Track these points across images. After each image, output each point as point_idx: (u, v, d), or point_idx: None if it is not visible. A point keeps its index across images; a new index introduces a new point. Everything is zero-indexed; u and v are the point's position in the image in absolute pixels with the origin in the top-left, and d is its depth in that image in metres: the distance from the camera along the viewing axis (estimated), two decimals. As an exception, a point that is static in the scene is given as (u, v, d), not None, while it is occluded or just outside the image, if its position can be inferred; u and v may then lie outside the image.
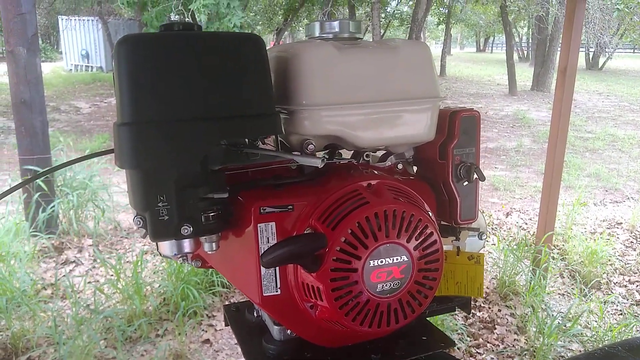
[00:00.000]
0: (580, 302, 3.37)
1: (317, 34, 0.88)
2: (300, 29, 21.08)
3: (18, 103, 4.13)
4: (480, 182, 0.92)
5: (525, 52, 33.27)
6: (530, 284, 3.39)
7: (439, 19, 23.79)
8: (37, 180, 3.98)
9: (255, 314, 1.00)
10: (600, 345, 2.76)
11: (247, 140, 0.80)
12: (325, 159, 0.76)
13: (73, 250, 4.10)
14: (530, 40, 29.36)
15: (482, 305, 3.36)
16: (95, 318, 2.90)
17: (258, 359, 0.88)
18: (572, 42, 3.24)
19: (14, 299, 3.03)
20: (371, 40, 1.05)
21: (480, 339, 2.99)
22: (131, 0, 7.59)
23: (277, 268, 0.80)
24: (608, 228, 4.87)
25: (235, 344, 2.08)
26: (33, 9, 4.13)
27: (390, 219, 0.75)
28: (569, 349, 2.91)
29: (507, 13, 17.29)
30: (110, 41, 16.96)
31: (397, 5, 19.56)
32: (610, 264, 4.05)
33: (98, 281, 3.56)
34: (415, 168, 0.99)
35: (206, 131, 0.72)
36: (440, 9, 21.46)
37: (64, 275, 3.60)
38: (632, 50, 37.02)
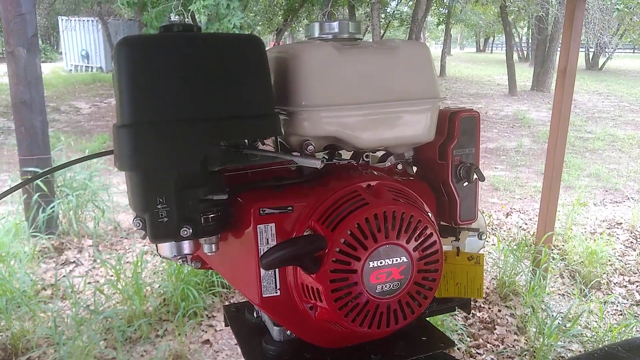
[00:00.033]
0: (580, 302, 3.37)
1: (316, 34, 0.88)
2: (300, 29, 21.08)
3: (18, 103, 4.13)
4: (480, 182, 0.92)
5: (525, 52, 33.28)
6: (530, 284, 3.39)
7: (438, 19, 23.78)
8: (37, 181, 3.98)
9: (255, 315, 1.00)
10: (600, 346, 2.76)
11: (246, 141, 0.80)
12: (324, 160, 0.76)
13: (73, 250, 4.10)
14: (530, 41, 29.36)
15: (482, 305, 3.36)
16: (95, 318, 2.90)
17: (258, 359, 0.88)
18: (572, 42, 3.24)
19: (14, 300, 3.03)
20: (371, 40, 1.05)
21: (480, 340, 2.99)
22: (131, 0, 7.60)
23: (277, 269, 0.80)
24: (608, 228, 4.87)
25: (235, 344, 2.08)
26: (33, 10, 4.13)
27: (389, 220, 0.75)
28: (569, 349, 2.91)
29: (507, 13, 17.29)
30: (110, 42, 16.98)
31: (397, 5, 19.56)
32: (610, 264, 4.05)
33: (98, 282, 3.56)
34: (415, 168, 0.99)
35: (206, 132, 0.72)
36: (440, 9, 21.45)
37: (64, 276, 3.60)
38: (632, 51, 37.02)
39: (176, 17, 0.78)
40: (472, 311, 3.23)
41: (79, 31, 18.76)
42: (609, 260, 4.07)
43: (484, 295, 3.34)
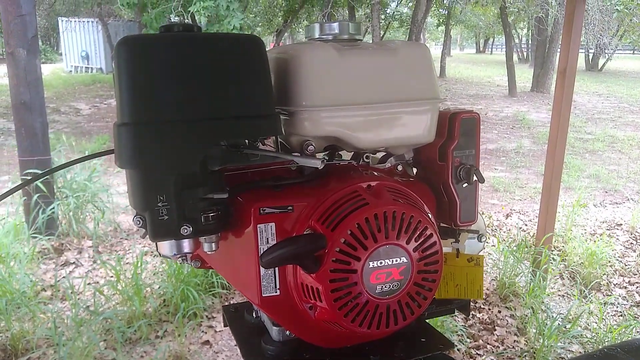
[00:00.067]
0: (580, 303, 3.37)
1: (316, 35, 0.89)
2: (300, 30, 21.10)
3: (18, 104, 4.13)
4: (479, 183, 0.92)
5: (525, 54, 33.29)
6: (530, 285, 3.39)
7: (438, 21, 23.80)
8: (36, 182, 3.98)
9: (254, 315, 1.00)
10: (600, 347, 2.76)
11: (247, 141, 0.80)
12: (325, 160, 0.77)
13: (73, 251, 4.10)
14: (529, 42, 29.38)
15: (482, 306, 3.36)
16: (95, 319, 2.90)
17: (257, 359, 0.88)
18: (571, 43, 3.24)
19: (14, 301, 3.03)
20: (371, 41, 1.05)
21: (480, 341, 2.98)
22: (131, 1, 7.61)
23: (277, 269, 0.81)
24: (608, 229, 4.87)
25: (235, 345, 2.08)
26: (33, 11, 4.13)
27: (389, 221, 0.75)
28: (568, 350, 2.91)
29: (506, 14, 17.30)
30: (110, 42, 16.99)
31: (396, 6, 19.56)
32: (610, 266, 4.05)
33: (98, 282, 3.56)
34: (415, 170, 0.99)
35: (206, 132, 0.72)
36: (440, 10, 21.47)
37: (63, 277, 3.60)
38: (631, 52, 37.05)
39: (176, 18, 0.79)
40: (472, 312, 3.22)
41: (79, 32, 18.77)
42: (609, 262, 4.07)
43: (483, 297, 3.35)
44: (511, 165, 7.56)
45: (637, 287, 3.77)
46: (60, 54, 23.04)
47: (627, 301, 3.57)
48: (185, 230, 0.74)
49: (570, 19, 3.26)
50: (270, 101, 0.77)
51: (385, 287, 0.76)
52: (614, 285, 3.80)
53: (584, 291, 3.56)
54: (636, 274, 3.96)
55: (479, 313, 3.28)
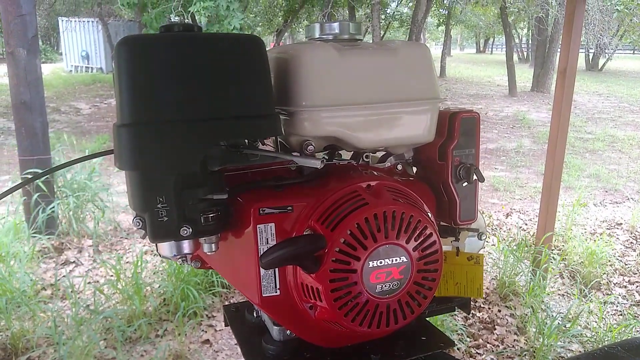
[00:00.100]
0: (580, 302, 3.37)
1: (317, 35, 0.89)
2: (300, 30, 21.09)
3: (18, 104, 4.13)
4: (479, 183, 0.92)
5: (525, 53, 33.27)
6: (530, 284, 3.39)
7: (439, 20, 23.79)
8: (37, 181, 3.99)
9: (254, 314, 1.00)
10: (600, 346, 2.76)
11: (246, 141, 0.80)
12: (324, 160, 0.77)
13: (73, 250, 4.10)
14: (530, 42, 29.36)
15: (482, 305, 3.36)
16: (95, 318, 2.90)
17: (258, 359, 0.88)
18: (571, 43, 3.24)
19: (14, 299, 3.03)
20: (371, 41, 1.05)
21: (480, 340, 2.99)
22: (131, 1, 7.60)
23: (277, 269, 0.81)
24: (608, 229, 4.87)
25: (235, 344, 2.08)
26: (33, 10, 4.13)
27: (389, 220, 0.75)
28: (568, 349, 2.91)
29: (506, 14, 17.29)
30: (110, 42, 16.99)
31: (397, 6, 19.55)
32: (610, 265, 4.05)
33: (98, 282, 3.56)
34: (414, 169, 0.99)
35: (206, 132, 0.72)
36: (440, 10, 21.46)
37: (63, 276, 3.60)
38: (632, 52, 37.02)
39: (176, 18, 0.79)
40: (472, 311, 3.23)
41: (79, 32, 18.77)
42: (609, 261, 4.07)
43: (483, 296, 3.35)
44: (511, 165, 7.56)
45: (637, 286, 3.77)
46: (60, 54, 23.04)
47: (627, 300, 3.57)
48: (185, 231, 0.73)
49: (570, 19, 3.26)
50: (270, 101, 0.77)
51: (385, 286, 0.76)
52: (614, 284, 3.80)
53: (584, 290, 3.56)
54: (636, 273, 3.96)
55: (479, 312, 3.29)
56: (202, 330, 3.02)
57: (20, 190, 4.12)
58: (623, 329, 3.03)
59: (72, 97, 13.06)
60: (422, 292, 0.80)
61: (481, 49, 48.08)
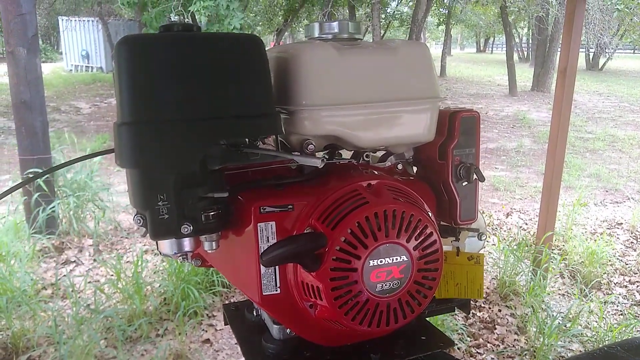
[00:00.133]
0: (581, 302, 3.37)
1: (316, 34, 0.89)
2: (300, 29, 21.07)
3: (18, 103, 4.13)
4: (480, 182, 0.92)
5: (526, 53, 33.27)
6: (531, 284, 3.39)
7: (439, 20, 23.77)
8: (37, 181, 3.99)
9: (254, 313, 1.00)
10: (600, 346, 2.76)
11: (247, 140, 0.80)
12: (325, 159, 0.77)
13: (73, 250, 4.10)
14: (530, 41, 29.37)
15: (483, 305, 3.36)
16: (96, 318, 2.90)
17: (258, 358, 0.88)
18: (572, 43, 3.24)
19: (14, 299, 3.04)
20: (371, 40, 1.05)
21: (481, 339, 2.99)
22: (131, 0, 7.60)
23: (277, 267, 0.81)
24: (608, 228, 4.87)
25: (235, 343, 2.08)
26: (33, 10, 4.13)
27: (390, 219, 0.75)
28: (569, 349, 2.91)
29: (507, 14, 17.29)
30: (110, 42, 16.96)
31: (397, 5, 19.54)
32: (611, 265, 4.05)
33: (98, 281, 3.56)
34: (415, 168, 0.99)
35: (206, 131, 0.73)
36: (441, 9, 21.44)
37: (64, 275, 3.60)
38: (632, 51, 36.99)
39: (176, 18, 0.79)
40: (473, 311, 3.23)
41: (79, 31, 18.78)
42: (609, 261, 4.07)
43: (484, 295, 3.35)
44: (511, 165, 7.56)
45: (638, 286, 3.77)
46: (60, 53, 23.04)
47: (627, 300, 3.57)
48: (186, 229, 0.74)
49: (570, 19, 3.26)
50: (270, 100, 0.77)
51: (386, 285, 0.76)
52: (615, 284, 3.80)
53: (584, 290, 3.56)
54: (636, 273, 3.96)
55: (480, 312, 3.29)
56: (203, 330, 3.02)
57: (20, 189, 4.13)
58: (623, 328, 3.03)
59: (72, 97, 13.06)
60: (423, 291, 0.80)
61: (481, 48, 48.08)
